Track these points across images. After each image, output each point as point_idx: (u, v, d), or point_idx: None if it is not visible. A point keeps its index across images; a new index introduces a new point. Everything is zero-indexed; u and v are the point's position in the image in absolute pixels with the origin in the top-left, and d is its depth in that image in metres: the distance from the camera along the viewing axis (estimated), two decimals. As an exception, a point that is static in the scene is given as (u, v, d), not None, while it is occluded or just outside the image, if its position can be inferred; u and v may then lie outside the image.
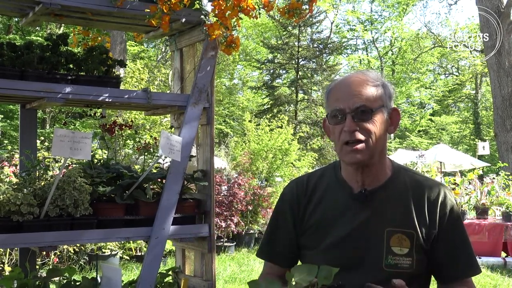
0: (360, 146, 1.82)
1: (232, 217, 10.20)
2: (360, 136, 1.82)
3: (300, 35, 26.41)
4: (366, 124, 1.83)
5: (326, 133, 2.04)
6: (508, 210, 9.77)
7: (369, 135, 1.83)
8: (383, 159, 1.95)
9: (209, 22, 2.98)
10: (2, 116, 10.70)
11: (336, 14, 38.07)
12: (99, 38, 3.74)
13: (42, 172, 3.13)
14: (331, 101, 1.92)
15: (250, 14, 2.94)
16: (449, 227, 1.89)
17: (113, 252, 8.34)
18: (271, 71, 28.47)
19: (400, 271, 1.82)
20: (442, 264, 1.87)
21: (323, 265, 1.68)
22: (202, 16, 3.13)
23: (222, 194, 10.56)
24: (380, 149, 1.89)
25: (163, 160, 3.54)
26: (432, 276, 1.96)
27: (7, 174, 2.99)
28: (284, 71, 28.90)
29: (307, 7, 3.24)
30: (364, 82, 1.88)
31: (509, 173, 10.87)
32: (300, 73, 26.67)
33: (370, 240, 1.86)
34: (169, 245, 8.16)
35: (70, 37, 3.45)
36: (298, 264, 2.06)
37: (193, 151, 3.61)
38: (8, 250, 6.85)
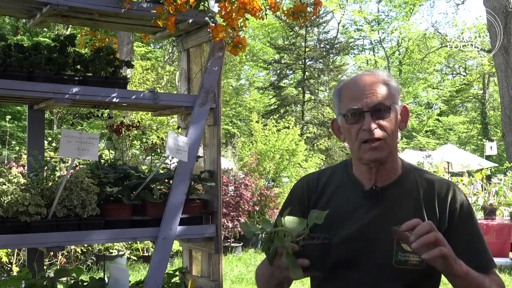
0: (379, 143, 1.84)
1: (239, 218, 10.20)
2: (379, 134, 1.83)
3: (307, 35, 26.39)
4: (383, 122, 1.85)
5: (335, 134, 2.04)
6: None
7: (387, 132, 1.85)
8: (395, 157, 1.96)
9: (213, 24, 2.98)
10: (10, 117, 10.73)
11: (343, 14, 38.01)
12: (106, 39, 3.75)
13: (49, 172, 3.14)
14: (345, 101, 1.91)
15: (257, 15, 2.94)
16: (460, 223, 1.88)
17: (121, 253, 8.36)
18: (278, 71, 28.45)
19: (410, 267, 1.81)
20: None
21: (314, 209, 1.72)
22: (207, 18, 3.14)
23: (229, 194, 10.56)
24: (394, 147, 1.91)
25: (170, 161, 3.55)
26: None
27: (15, 174, 3.00)
28: (291, 72, 28.89)
29: (312, 9, 3.24)
30: (376, 81, 1.90)
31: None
32: (307, 73, 26.65)
33: (380, 237, 1.85)
34: (176, 246, 8.17)
35: (77, 38, 3.47)
36: None
37: (200, 152, 3.62)
38: (16, 250, 6.87)
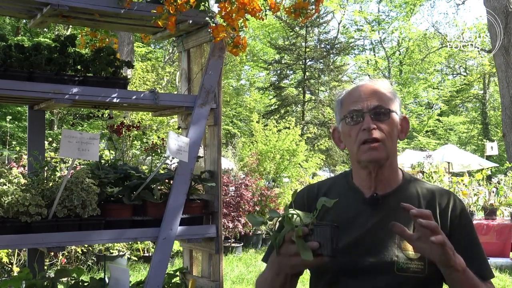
0: (378, 144, 1.86)
1: (240, 218, 10.20)
2: (378, 135, 1.86)
3: (307, 35, 26.38)
4: (383, 124, 1.87)
5: (336, 143, 2.07)
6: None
7: (386, 135, 1.87)
8: (395, 165, 1.98)
9: (213, 25, 2.98)
10: (11, 117, 10.73)
11: (343, 15, 38.03)
12: (107, 40, 3.75)
13: (50, 173, 3.14)
14: (346, 105, 1.95)
15: (257, 15, 2.94)
16: (460, 231, 1.89)
17: (121, 253, 8.37)
18: (278, 71, 28.47)
19: (412, 275, 1.81)
20: None
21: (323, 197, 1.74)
22: (207, 18, 3.14)
23: (230, 194, 10.56)
24: (393, 153, 1.93)
25: (171, 161, 3.55)
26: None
27: (16, 175, 3.00)
28: (291, 72, 28.89)
29: (314, 7, 3.24)
30: (377, 88, 1.94)
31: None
32: (307, 73, 26.65)
33: (382, 244, 1.86)
34: (176, 246, 8.17)
35: (77, 38, 3.47)
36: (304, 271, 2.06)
37: (201, 152, 3.62)
38: (17, 250, 6.87)
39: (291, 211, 1.68)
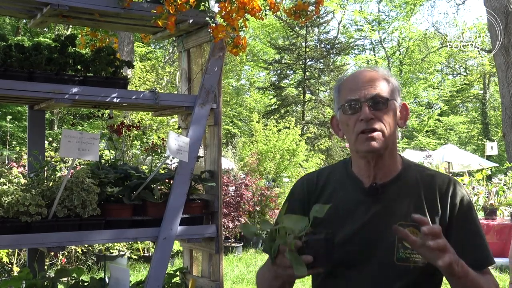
0: (376, 134, 1.83)
1: (240, 218, 10.20)
2: (376, 125, 1.83)
3: (307, 35, 26.37)
4: (381, 114, 1.85)
5: (334, 131, 2.05)
6: (517, 211, 9.73)
7: (384, 124, 1.85)
8: (394, 153, 1.96)
9: (213, 25, 2.98)
10: (11, 117, 10.73)
11: (344, 14, 38.03)
12: (107, 39, 3.75)
13: (50, 173, 3.14)
14: (344, 93, 1.92)
15: (257, 15, 2.94)
16: (460, 217, 1.88)
17: (121, 253, 8.36)
18: (278, 71, 28.45)
19: (412, 265, 1.81)
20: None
21: (316, 203, 1.73)
22: (207, 18, 3.14)
23: (230, 194, 10.55)
24: (392, 142, 1.90)
25: (171, 161, 3.55)
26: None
27: (16, 175, 3.00)
28: (291, 72, 28.88)
29: (314, 8, 3.24)
30: (375, 76, 1.91)
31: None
32: (307, 73, 26.63)
33: (382, 234, 1.85)
34: (176, 246, 8.17)
35: (78, 38, 3.47)
36: None
37: (201, 152, 3.62)
38: (17, 250, 6.87)
39: (285, 219, 1.65)
